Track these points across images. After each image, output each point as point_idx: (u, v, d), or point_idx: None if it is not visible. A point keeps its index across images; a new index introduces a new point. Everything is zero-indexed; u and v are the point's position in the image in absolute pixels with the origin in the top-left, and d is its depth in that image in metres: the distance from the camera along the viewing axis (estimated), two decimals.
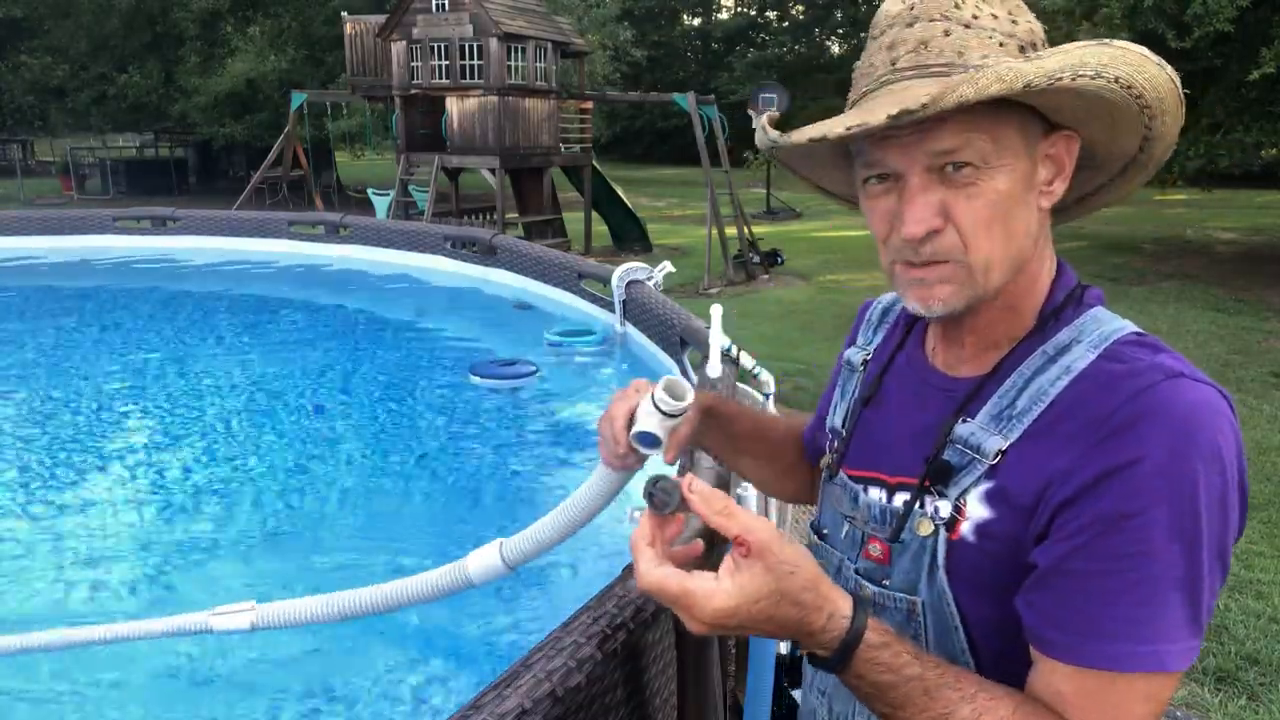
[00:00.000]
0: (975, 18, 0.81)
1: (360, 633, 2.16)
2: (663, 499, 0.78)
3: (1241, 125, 12.00)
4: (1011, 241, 0.82)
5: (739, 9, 46.20)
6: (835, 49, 40.84)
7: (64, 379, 4.20)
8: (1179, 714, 3.06)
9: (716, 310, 2.74)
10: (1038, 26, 0.84)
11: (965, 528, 0.82)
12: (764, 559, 0.73)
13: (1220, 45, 11.59)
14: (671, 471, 0.93)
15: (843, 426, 1.03)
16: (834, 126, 0.78)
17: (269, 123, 21.26)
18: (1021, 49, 0.81)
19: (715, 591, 0.73)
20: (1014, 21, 0.83)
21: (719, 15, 46.95)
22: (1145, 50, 0.77)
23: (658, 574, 0.75)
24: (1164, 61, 0.77)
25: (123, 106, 24.22)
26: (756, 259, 12.76)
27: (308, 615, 1.08)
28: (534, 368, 4.17)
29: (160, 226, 6.83)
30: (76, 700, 1.96)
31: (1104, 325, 0.83)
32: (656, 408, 0.91)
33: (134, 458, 3.31)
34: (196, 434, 3.53)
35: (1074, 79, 0.74)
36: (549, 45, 14.07)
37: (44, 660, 2.01)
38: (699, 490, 0.77)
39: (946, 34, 0.81)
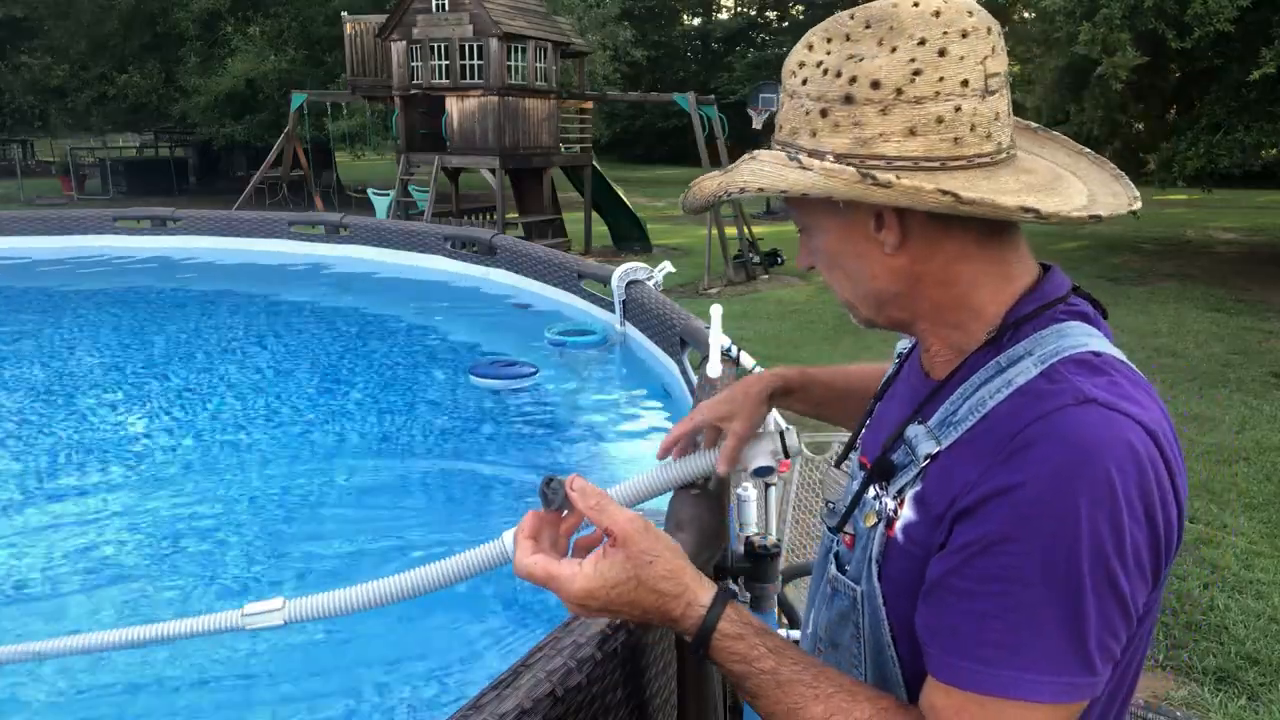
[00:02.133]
0: (805, 82, 0.82)
1: (361, 634, 2.17)
2: (550, 496, 0.89)
3: (1241, 125, 12.01)
4: (858, 285, 0.88)
5: (739, 9, 46.25)
6: None
7: (63, 379, 4.21)
8: (1179, 714, 3.06)
9: (716, 310, 2.73)
10: (875, 64, 0.77)
11: (898, 526, 0.83)
12: (626, 549, 0.81)
13: (1220, 45, 11.61)
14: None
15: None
16: (724, 185, 0.86)
17: (269, 123, 21.28)
18: (824, 113, 0.79)
19: (577, 575, 0.81)
20: (838, 75, 0.79)
21: (719, 15, 46.99)
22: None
23: (528, 560, 0.85)
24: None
25: (123, 107, 24.25)
26: (756, 259, 12.77)
27: (339, 607, 1.09)
28: (534, 368, 4.16)
29: (160, 226, 6.84)
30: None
31: (1062, 340, 0.79)
32: (783, 446, 1.13)
33: (131, 458, 3.31)
34: (191, 435, 3.53)
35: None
36: (549, 45, 14.09)
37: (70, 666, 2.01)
38: (579, 488, 0.87)
39: (781, 105, 0.85)
